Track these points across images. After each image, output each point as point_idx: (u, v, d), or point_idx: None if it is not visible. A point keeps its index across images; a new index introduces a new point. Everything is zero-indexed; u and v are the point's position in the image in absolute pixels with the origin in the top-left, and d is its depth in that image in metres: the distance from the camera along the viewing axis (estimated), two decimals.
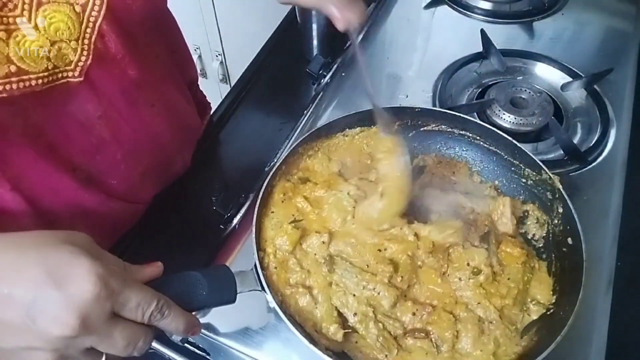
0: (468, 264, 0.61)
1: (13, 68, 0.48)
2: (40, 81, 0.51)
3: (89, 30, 0.53)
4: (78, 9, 0.51)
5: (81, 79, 0.55)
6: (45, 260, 0.39)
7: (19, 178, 0.56)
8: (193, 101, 0.85)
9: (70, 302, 0.38)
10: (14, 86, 0.49)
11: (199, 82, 0.93)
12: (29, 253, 0.40)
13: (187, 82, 0.84)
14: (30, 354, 0.40)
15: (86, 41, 0.54)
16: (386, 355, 0.56)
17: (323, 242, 0.62)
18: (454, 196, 0.69)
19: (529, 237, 0.68)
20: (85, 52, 0.54)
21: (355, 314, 0.58)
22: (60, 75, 0.53)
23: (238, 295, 0.53)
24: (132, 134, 0.66)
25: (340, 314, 0.58)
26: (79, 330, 0.38)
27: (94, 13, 0.52)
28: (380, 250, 0.62)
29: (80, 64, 0.54)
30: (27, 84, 0.50)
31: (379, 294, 0.59)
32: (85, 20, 0.52)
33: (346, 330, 0.57)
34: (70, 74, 0.54)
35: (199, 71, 1.83)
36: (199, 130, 0.88)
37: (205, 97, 0.96)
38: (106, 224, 0.70)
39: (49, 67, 0.51)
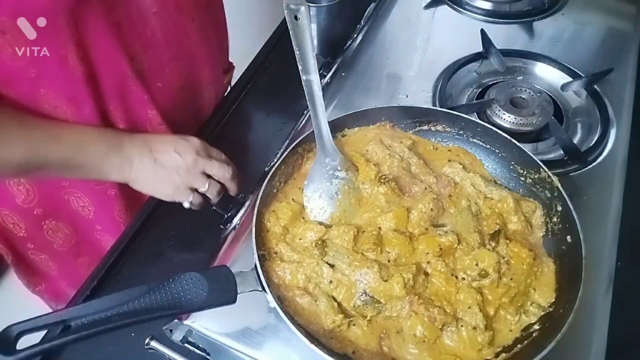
0: (477, 264, 0.61)
1: None
2: None
3: None
4: None
5: None
6: (182, 140, 0.73)
7: (86, 48, 0.62)
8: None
9: (193, 145, 0.72)
10: None
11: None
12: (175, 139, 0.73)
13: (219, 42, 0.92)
14: (178, 173, 0.71)
15: None
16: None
17: (316, 232, 0.64)
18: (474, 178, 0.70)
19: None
20: None
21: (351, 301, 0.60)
22: None
23: (238, 295, 0.53)
24: (177, 40, 0.74)
25: (340, 305, 0.60)
26: (196, 154, 0.72)
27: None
28: (364, 232, 0.64)
29: None
30: None
31: (367, 269, 0.60)
32: None
33: (350, 319, 0.58)
34: None
35: None
36: (222, 80, 0.96)
37: (225, 57, 1.02)
38: (140, 122, 0.77)
39: None
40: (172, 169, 0.71)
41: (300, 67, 0.61)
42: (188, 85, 0.81)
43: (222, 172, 0.74)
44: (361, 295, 0.59)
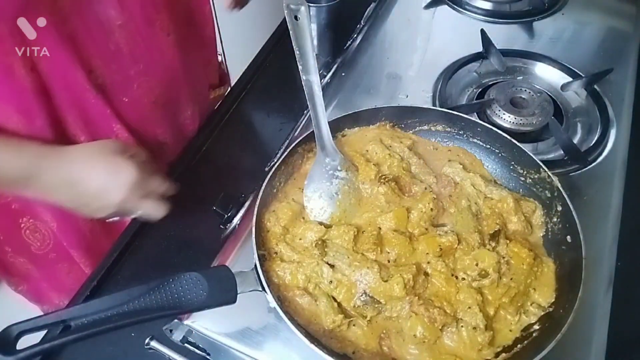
0: (477, 264, 0.61)
1: None
2: None
3: None
4: None
5: None
6: (114, 175, 0.64)
7: (34, 58, 0.59)
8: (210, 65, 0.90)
9: (126, 182, 0.64)
10: None
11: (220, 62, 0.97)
12: (108, 173, 0.64)
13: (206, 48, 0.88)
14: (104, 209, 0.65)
15: None
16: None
17: (316, 232, 0.63)
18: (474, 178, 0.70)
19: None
20: None
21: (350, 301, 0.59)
22: None
23: (238, 295, 0.53)
24: (146, 54, 0.70)
25: (340, 305, 0.60)
26: (130, 192, 0.64)
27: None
28: (364, 232, 0.64)
29: None
30: None
31: (367, 270, 0.60)
32: None
33: (350, 319, 0.58)
34: None
35: None
36: (206, 93, 0.91)
37: (225, 73, 1.00)
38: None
39: None
40: (99, 208, 0.66)
41: (300, 67, 0.61)
42: (162, 101, 0.78)
43: (152, 212, 0.69)
44: (361, 295, 0.59)
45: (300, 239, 0.64)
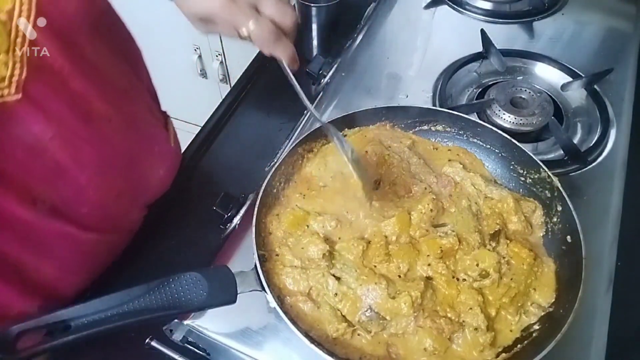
0: (477, 265, 0.61)
1: None
2: None
3: (19, 40, 0.48)
4: (3, 17, 0.46)
5: (19, 96, 0.48)
6: None
7: None
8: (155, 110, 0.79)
9: None
10: None
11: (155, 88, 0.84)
12: None
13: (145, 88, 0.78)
14: None
15: (17, 52, 0.48)
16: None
17: (321, 248, 0.62)
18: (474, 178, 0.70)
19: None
20: (18, 65, 0.48)
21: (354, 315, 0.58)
22: None
23: (238, 295, 0.53)
24: (94, 154, 0.60)
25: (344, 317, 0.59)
26: None
27: (22, 20, 0.47)
28: (372, 244, 0.63)
29: (15, 78, 0.48)
30: None
31: (375, 285, 0.59)
32: (13, 29, 0.47)
33: (354, 328, 0.58)
34: (5, 91, 0.48)
35: (198, 71, 1.83)
36: (166, 144, 0.81)
37: (160, 106, 0.86)
38: (83, 261, 0.66)
39: None
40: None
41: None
42: (126, 187, 0.68)
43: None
44: (366, 310, 0.58)
45: (302, 248, 0.63)
